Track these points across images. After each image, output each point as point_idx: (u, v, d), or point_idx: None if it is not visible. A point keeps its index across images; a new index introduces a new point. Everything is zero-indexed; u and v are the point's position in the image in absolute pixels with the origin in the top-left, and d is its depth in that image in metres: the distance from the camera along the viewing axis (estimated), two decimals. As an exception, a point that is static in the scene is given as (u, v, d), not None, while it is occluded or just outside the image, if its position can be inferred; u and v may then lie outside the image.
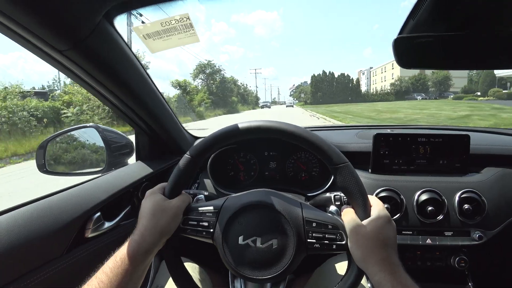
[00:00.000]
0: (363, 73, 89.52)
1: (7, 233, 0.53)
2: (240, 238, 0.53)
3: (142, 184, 0.90)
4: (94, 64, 0.62)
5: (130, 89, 0.75)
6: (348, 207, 0.55)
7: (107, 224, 0.73)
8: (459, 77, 59.17)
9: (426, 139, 0.97)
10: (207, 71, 35.24)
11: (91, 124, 0.95)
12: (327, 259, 0.85)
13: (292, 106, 52.39)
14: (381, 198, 0.90)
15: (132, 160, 1.03)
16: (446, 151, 0.97)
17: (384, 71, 72.31)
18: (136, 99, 0.79)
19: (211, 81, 34.21)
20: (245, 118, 0.56)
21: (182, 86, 23.44)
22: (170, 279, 0.76)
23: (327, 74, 68.89)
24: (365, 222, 0.50)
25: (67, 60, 0.58)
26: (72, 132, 1.00)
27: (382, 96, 60.79)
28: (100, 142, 0.94)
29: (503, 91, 35.18)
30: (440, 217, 0.90)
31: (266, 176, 1.12)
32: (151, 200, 0.54)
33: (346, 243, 0.52)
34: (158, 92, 0.87)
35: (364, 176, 0.97)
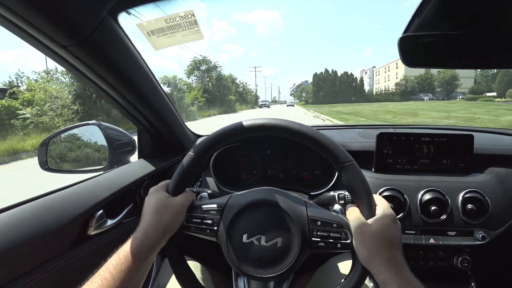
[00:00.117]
0: (366, 73, 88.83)
1: (10, 231, 0.53)
2: (244, 236, 0.53)
3: (145, 182, 0.89)
4: (98, 60, 0.62)
5: (134, 86, 0.74)
6: (353, 206, 0.55)
7: (109, 222, 0.72)
8: (466, 77, 58.36)
9: (430, 138, 0.97)
10: (202, 68, 32.19)
11: (93, 121, 0.94)
12: (330, 258, 0.85)
13: (293, 105, 52.34)
14: (384, 198, 0.89)
15: (134, 158, 1.02)
16: (450, 151, 0.97)
17: (388, 70, 71.00)
18: (140, 97, 0.79)
19: (207, 79, 31.78)
20: (242, 119, 0.56)
21: (171, 83, 21.81)
22: (172, 278, 0.75)
23: (330, 72, 68.04)
24: (370, 221, 0.50)
25: (70, 56, 0.57)
26: (74, 130, 1.00)
27: (387, 96, 60.04)
28: (102, 140, 0.93)
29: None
30: (444, 216, 0.89)
31: (269, 175, 1.12)
32: (154, 197, 0.53)
33: (351, 242, 0.51)
34: (161, 90, 0.87)
35: (368, 176, 0.97)
